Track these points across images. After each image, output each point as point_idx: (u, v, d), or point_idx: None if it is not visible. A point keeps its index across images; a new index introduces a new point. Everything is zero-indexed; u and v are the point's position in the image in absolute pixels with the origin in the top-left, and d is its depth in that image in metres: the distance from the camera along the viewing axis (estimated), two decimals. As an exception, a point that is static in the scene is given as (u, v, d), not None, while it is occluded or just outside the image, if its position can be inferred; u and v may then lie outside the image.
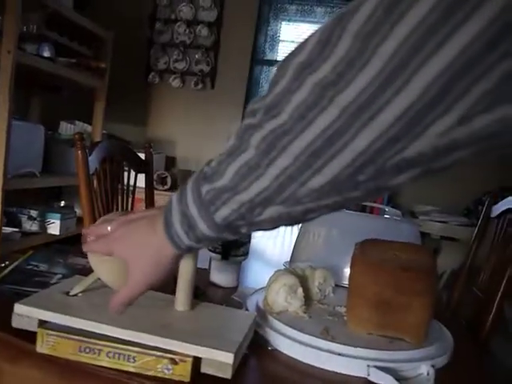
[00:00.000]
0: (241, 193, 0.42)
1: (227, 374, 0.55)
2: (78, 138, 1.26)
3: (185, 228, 0.48)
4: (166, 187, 3.02)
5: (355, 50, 0.31)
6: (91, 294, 0.67)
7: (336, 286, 0.93)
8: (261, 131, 0.38)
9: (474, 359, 0.79)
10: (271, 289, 0.78)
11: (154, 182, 2.94)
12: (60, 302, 0.63)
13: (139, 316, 0.61)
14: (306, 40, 0.36)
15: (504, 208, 1.57)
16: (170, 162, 3.50)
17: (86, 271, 0.83)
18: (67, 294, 0.66)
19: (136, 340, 0.56)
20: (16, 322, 0.60)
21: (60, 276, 0.82)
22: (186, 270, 0.65)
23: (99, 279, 0.65)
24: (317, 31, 0.36)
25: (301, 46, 0.36)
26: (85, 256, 0.84)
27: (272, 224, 0.45)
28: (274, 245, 1.66)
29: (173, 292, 0.67)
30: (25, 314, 0.59)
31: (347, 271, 1.06)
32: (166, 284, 0.68)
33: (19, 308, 0.60)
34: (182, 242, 0.50)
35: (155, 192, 2.90)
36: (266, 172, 0.39)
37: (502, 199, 1.63)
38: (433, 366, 0.64)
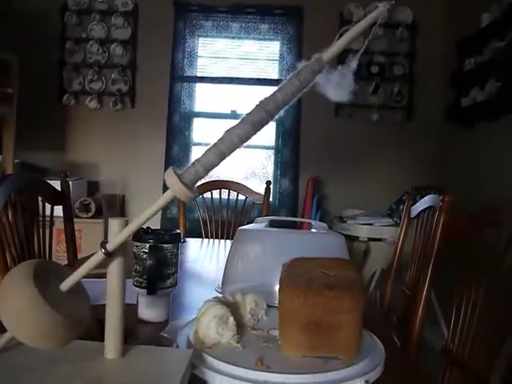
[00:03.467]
0: None
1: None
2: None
3: None
4: (90, 214, 2.88)
5: None
6: (9, 354, 0.60)
7: (269, 306, 0.91)
8: None
9: (405, 366, 0.81)
10: (201, 322, 0.75)
11: (77, 210, 2.79)
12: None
13: (67, 374, 0.56)
14: None
15: (421, 208, 1.66)
16: (94, 187, 3.34)
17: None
18: None
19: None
20: None
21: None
22: (113, 313, 0.60)
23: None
24: None
25: None
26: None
27: None
28: (208, 266, 1.62)
29: (98, 338, 0.62)
30: None
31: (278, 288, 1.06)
32: (89, 328, 0.63)
33: None
34: None
35: (79, 220, 2.77)
36: None
37: (421, 198, 1.73)
38: (367, 382, 0.64)
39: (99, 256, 0.57)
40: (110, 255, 0.57)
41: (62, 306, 0.56)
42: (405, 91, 3.36)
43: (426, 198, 1.64)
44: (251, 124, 0.54)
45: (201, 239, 2.16)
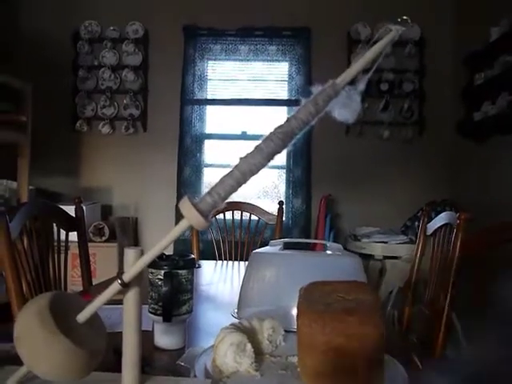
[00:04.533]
0: None
1: None
2: (-5, 205, 1.16)
3: None
4: (104, 238, 2.89)
5: None
6: None
7: (286, 331, 0.90)
8: None
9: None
10: (219, 350, 0.73)
11: (91, 234, 2.81)
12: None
13: None
14: None
15: (437, 226, 1.63)
16: (107, 211, 3.36)
17: (12, 358, 0.74)
18: None
19: None
20: None
21: (-19, 369, 0.72)
22: (130, 343, 0.59)
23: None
24: None
25: None
26: (9, 340, 0.75)
27: None
28: (223, 289, 1.61)
29: (116, 367, 0.61)
30: None
31: (295, 313, 1.05)
32: (106, 359, 0.62)
33: None
34: None
35: (93, 244, 2.78)
36: None
37: (436, 214, 1.70)
38: (391, 411, 0.62)
39: (115, 287, 0.56)
40: (126, 286, 0.56)
41: (79, 337, 0.55)
42: (415, 107, 3.36)
43: (441, 215, 1.61)
44: (266, 152, 0.53)
45: (214, 261, 2.15)
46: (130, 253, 0.58)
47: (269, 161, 0.55)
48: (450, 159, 3.32)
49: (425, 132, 3.35)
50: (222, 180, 0.55)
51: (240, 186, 0.55)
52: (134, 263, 0.57)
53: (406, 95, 3.32)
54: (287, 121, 0.54)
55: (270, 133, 0.55)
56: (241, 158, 0.55)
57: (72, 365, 0.54)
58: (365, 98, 3.18)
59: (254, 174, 0.55)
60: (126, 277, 0.56)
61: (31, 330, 0.53)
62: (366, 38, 3.32)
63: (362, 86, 0.52)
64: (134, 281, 0.58)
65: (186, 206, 0.53)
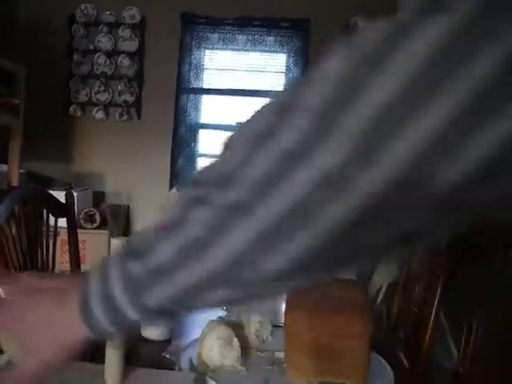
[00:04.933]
0: (181, 274, 0.36)
1: None
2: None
3: (107, 313, 0.41)
4: (94, 225, 2.87)
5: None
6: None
7: (274, 326, 0.89)
8: (210, 206, 0.34)
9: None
10: (205, 343, 0.73)
11: (82, 221, 2.79)
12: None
13: None
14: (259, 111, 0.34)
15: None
16: (99, 198, 3.34)
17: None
18: None
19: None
20: None
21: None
22: (112, 360, 0.59)
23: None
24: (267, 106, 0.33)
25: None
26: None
27: (214, 306, 0.40)
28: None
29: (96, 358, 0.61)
30: None
31: (283, 307, 1.04)
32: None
33: None
34: (102, 327, 0.43)
35: (84, 231, 2.76)
36: (215, 252, 0.34)
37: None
38: (375, 410, 0.62)
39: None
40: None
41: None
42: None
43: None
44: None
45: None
46: (116, 243, 0.57)
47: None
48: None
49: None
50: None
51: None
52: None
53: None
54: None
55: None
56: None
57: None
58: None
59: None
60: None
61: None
62: (365, 32, 3.29)
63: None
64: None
65: (174, 196, 0.52)
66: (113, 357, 0.58)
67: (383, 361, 0.79)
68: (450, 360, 1.42)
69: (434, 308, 1.26)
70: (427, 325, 1.27)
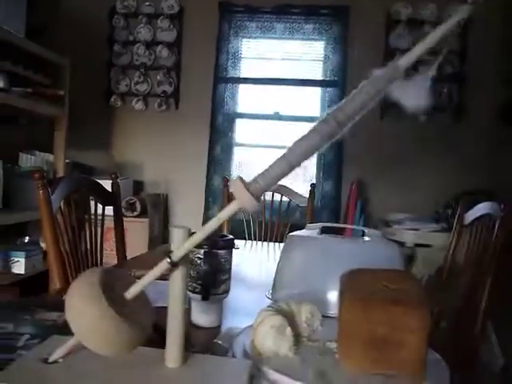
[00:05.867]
0: None
1: None
2: (37, 177, 1.18)
3: None
4: (135, 213, 2.94)
5: None
6: (73, 359, 0.61)
7: (323, 316, 0.89)
8: None
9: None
10: (258, 332, 0.73)
11: (123, 209, 2.85)
12: (39, 374, 0.56)
13: (130, 381, 0.56)
14: None
15: (475, 216, 1.58)
16: (139, 187, 3.41)
17: (59, 327, 0.76)
18: (46, 361, 0.59)
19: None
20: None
21: (28, 336, 0.74)
22: (175, 322, 0.60)
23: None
24: None
25: None
26: (56, 309, 0.78)
27: None
28: (254, 270, 1.61)
29: (156, 343, 0.62)
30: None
31: (332, 298, 1.04)
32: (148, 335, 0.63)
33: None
34: None
35: (125, 219, 2.82)
36: None
37: (473, 204, 1.65)
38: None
39: (164, 265, 0.56)
40: (174, 265, 0.57)
41: (128, 313, 0.56)
42: (454, 91, 3.24)
43: (482, 204, 1.56)
44: (320, 136, 0.52)
45: (244, 241, 2.16)
46: (178, 232, 0.58)
47: (323, 145, 0.53)
48: (490, 147, 3.20)
49: (464, 116, 3.24)
50: (275, 163, 0.53)
51: (293, 169, 0.53)
52: (182, 242, 0.57)
53: (445, 78, 3.20)
54: (343, 103, 0.52)
55: (327, 115, 0.53)
56: (294, 143, 0.53)
57: (122, 340, 0.55)
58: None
59: (307, 158, 0.53)
60: (175, 256, 0.56)
61: (84, 305, 0.54)
62: (407, 17, 3.20)
63: (432, 72, 0.49)
64: (182, 260, 0.58)
65: (238, 187, 0.52)
66: (176, 313, 0.60)
67: (437, 355, 0.78)
68: (493, 360, 1.39)
69: (483, 305, 1.23)
70: (474, 324, 1.24)
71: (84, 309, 0.54)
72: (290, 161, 0.53)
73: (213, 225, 0.55)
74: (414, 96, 0.50)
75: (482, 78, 3.21)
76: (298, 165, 0.53)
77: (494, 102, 3.10)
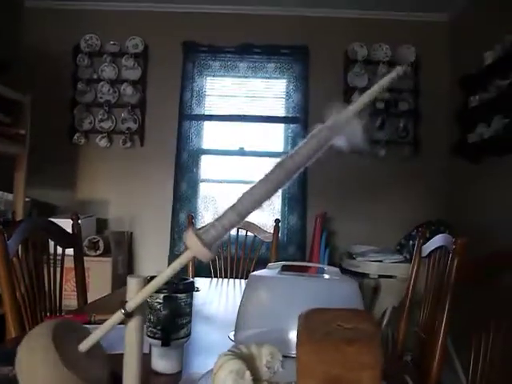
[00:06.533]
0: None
1: None
2: (-7, 223, 1.16)
3: None
4: (98, 252, 2.88)
5: None
6: None
7: (284, 356, 0.90)
8: None
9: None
10: (217, 377, 0.73)
11: (85, 248, 2.79)
12: None
13: None
14: None
15: (432, 248, 1.65)
16: (103, 224, 3.35)
17: (10, 382, 0.74)
18: None
19: None
20: None
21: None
22: (131, 372, 0.60)
23: None
24: None
25: None
26: (8, 362, 0.76)
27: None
28: (218, 308, 1.60)
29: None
30: None
31: (293, 338, 1.05)
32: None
33: None
34: None
35: (87, 258, 2.76)
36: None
37: (431, 234, 1.72)
38: None
39: (118, 316, 0.57)
40: (129, 315, 0.57)
41: (81, 367, 0.56)
42: (410, 127, 3.40)
43: (437, 237, 1.63)
44: (269, 186, 0.54)
45: (209, 279, 2.15)
46: (133, 282, 0.59)
47: (272, 195, 0.56)
48: (446, 179, 3.35)
49: (420, 151, 3.39)
50: (225, 212, 0.55)
51: (243, 219, 0.56)
52: (137, 292, 0.58)
53: (401, 114, 3.37)
54: (295, 151, 0.55)
55: (274, 166, 0.56)
56: (244, 192, 0.56)
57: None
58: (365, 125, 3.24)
59: (256, 208, 0.56)
60: (130, 306, 0.57)
61: (35, 362, 0.53)
62: (363, 57, 3.37)
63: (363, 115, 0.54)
64: (136, 310, 0.58)
65: (190, 238, 0.54)
66: (131, 375, 0.59)
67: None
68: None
69: (441, 335, 1.27)
70: (435, 353, 1.27)
71: (33, 363, 0.53)
72: (240, 211, 0.55)
73: (167, 273, 0.56)
74: (349, 136, 0.54)
75: (436, 114, 3.39)
76: (248, 214, 0.55)
77: (449, 137, 3.27)
